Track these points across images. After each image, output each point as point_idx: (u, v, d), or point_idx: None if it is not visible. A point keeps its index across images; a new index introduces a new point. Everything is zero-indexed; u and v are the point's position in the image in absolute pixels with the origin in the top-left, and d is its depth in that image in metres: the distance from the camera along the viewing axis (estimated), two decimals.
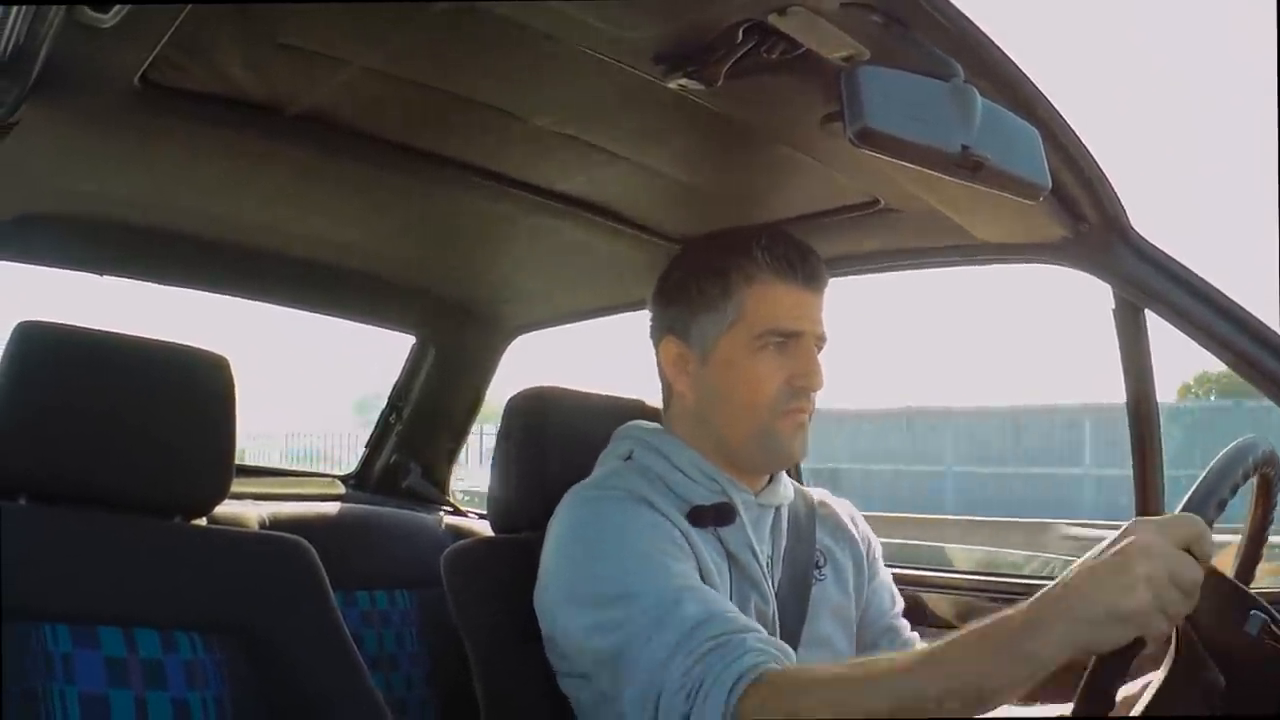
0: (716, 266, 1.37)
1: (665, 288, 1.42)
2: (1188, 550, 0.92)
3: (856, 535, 1.50)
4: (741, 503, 1.35)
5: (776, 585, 1.36)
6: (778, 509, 1.41)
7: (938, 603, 1.85)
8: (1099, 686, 0.95)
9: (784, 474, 1.44)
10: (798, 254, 1.36)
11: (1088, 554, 1.01)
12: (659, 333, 1.42)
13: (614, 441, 1.43)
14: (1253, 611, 1.09)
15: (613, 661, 1.17)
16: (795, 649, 1.33)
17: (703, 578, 1.26)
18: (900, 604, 1.52)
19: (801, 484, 1.53)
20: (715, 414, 1.37)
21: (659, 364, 1.42)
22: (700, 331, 1.37)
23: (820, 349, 1.37)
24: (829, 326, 1.38)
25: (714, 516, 1.33)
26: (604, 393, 1.59)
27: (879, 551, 1.53)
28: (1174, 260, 1.45)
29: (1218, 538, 1.02)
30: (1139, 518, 1.02)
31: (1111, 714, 0.96)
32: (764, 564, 1.35)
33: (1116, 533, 0.98)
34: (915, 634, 1.52)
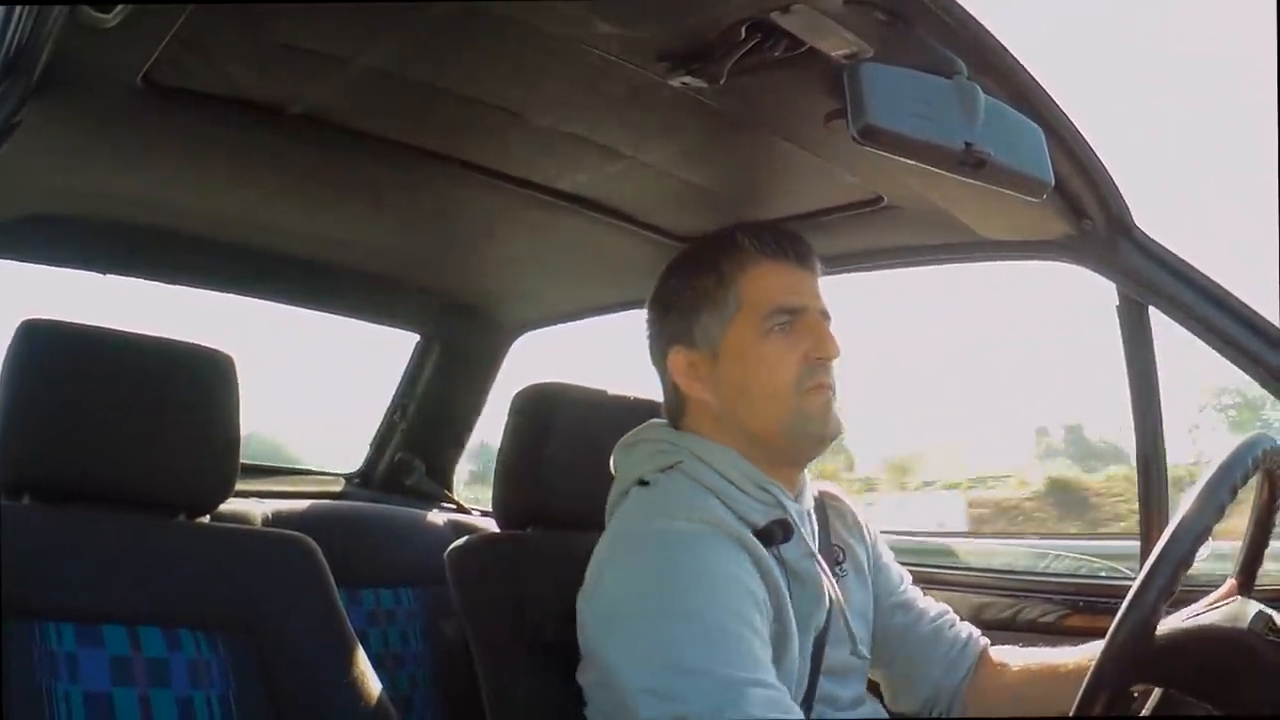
0: (708, 263, 1.34)
1: (660, 298, 1.38)
2: None
3: (862, 524, 1.49)
4: (795, 513, 1.30)
5: None
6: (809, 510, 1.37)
7: (948, 599, 1.85)
8: None
9: (805, 473, 1.39)
10: (785, 236, 1.34)
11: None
12: (663, 345, 1.37)
13: (647, 445, 1.36)
14: (1257, 610, 1.10)
15: None
16: (823, 647, 1.33)
17: (776, 614, 1.23)
18: (908, 578, 1.51)
19: None
20: (740, 410, 1.31)
21: (668, 379, 1.36)
22: (704, 331, 1.32)
23: (828, 325, 1.32)
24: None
25: (780, 535, 1.27)
26: (610, 390, 1.59)
27: (877, 534, 1.51)
28: (1179, 258, 1.44)
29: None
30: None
31: None
32: (825, 570, 1.31)
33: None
34: (930, 600, 1.51)
